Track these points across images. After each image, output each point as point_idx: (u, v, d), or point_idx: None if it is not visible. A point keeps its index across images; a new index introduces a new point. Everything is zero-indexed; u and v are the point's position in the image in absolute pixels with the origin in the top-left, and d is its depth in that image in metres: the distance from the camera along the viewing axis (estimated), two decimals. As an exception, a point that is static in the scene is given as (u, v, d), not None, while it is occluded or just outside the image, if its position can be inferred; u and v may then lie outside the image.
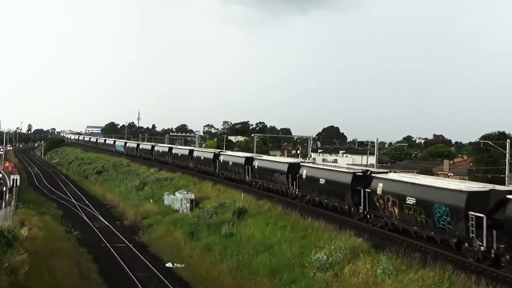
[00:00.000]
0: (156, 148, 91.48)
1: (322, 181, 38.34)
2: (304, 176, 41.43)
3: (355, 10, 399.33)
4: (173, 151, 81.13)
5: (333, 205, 37.18)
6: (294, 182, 43.03)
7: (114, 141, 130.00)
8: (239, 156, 59.00)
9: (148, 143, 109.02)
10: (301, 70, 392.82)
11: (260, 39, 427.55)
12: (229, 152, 68.56)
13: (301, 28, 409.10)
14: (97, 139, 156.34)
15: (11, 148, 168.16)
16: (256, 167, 51.27)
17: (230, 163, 58.34)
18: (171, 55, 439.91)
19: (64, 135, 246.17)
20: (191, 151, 73.65)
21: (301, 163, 44.46)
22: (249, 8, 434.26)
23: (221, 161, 60.55)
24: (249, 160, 53.21)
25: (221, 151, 68.05)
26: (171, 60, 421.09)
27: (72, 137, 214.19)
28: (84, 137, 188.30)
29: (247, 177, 53.07)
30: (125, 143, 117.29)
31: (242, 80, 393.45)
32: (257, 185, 50.95)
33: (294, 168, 43.64)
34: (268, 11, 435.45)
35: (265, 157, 57.76)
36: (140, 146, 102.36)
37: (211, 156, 64.51)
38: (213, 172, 62.50)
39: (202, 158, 67.90)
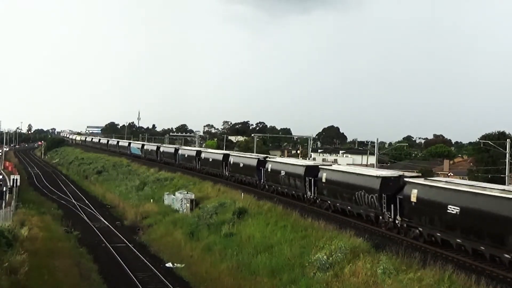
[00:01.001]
0: (180, 152, 78.56)
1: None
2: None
3: (355, 10, 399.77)
4: (203, 155, 68.40)
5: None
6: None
7: (129, 143, 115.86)
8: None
9: (171, 146, 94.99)
10: (301, 70, 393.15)
11: (260, 39, 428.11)
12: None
13: (302, 28, 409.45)
14: (108, 141, 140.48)
15: (7, 149, 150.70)
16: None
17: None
18: (172, 55, 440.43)
19: (67, 135, 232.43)
20: (226, 156, 60.89)
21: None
22: (250, 8, 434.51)
23: (269, 169, 48.03)
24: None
25: (267, 157, 55.07)
26: (171, 60, 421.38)
27: (77, 138, 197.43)
28: (92, 139, 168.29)
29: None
30: (142, 145, 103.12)
31: (242, 80, 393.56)
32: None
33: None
34: (269, 11, 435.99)
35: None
36: (161, 149, 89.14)
37: (254, 163, 52.02)
38: (256, 183, 51.12)
39: (241, 165, 55.45)
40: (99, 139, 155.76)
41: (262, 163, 50.46)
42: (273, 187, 47.60)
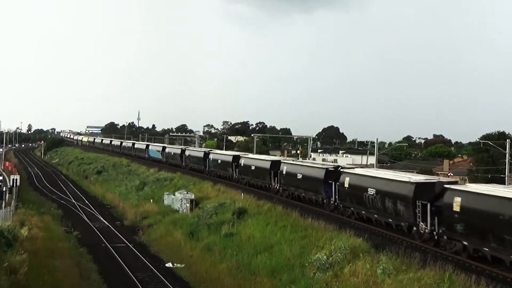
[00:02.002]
0: (212, 156, 65.53)
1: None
2: (346, 185, 35.09)
3: (356, 10, 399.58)
4: (243, 161, 55.62)
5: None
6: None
7: (147, 146, 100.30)
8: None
9: (199, 149, 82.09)
10: (301, 70, 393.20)
11: (261, 39, 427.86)
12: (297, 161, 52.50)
13: (302, 28, 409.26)
14: (121, 143, 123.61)
15: (2, 150, 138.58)
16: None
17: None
18: (171, 55, 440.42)
19: (70, 136, 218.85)
20: (275, 164, 47.77)
21: (342, 169, 37.92)
22: (251, 8, 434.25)
23: (345, 184, 36.32)
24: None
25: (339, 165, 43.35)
26: (171, 60, 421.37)
27: (84, 139, 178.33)
28: (102, 140, 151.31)
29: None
30: (163, 148, 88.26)
31: (242, 80, 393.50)
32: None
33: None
34: (270, 10, 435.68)
35: (293, 160, 50.07)
36: (187, 153, 75.56)
37: (321, 175, 39.25)
38: (322, 200, 39.56)
39: (299, 176, 42.55)
40: (111, 141, 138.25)
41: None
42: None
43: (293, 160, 51.81)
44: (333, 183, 36.90)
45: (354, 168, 40.48)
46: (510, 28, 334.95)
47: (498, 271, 22.43)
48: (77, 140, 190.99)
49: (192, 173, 66.96)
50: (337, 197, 36.87)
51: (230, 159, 58.33)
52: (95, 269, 33.18)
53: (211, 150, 72.44)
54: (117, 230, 47.43)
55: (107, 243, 41.59)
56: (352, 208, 34.92)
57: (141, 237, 44.92)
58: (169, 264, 34.81)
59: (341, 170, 37.86)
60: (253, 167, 51.85)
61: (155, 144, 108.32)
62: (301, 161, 49.99)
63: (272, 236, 32.82)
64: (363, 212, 33.39)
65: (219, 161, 61.92)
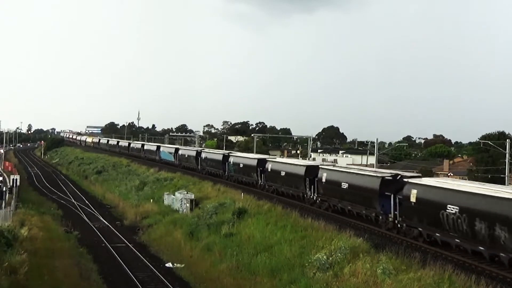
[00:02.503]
0: (233, 160, 58.32)
1: (344, 185, 32.00)
2: (413, 200, 27.97)
3: (357, 10, 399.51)
4: (270, 166, 48.25)
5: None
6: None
7: (158, 147, 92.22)
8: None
9: (218, 151, 71.39)
10: (301, 70, 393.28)
11: (261, 39, 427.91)
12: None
13: (302, 28, 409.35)
14: (129, 144, 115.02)
15: (2, 151, 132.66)
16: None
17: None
18: (171, 55, 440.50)
19: (73, 136, 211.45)
20: (311, 169, 40.90)
21: (405, 179, 30.46)
22: (251, 7, 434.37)
23: (410, 198, 29.23)
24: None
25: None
26: (171, 60, 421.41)
27: (88, 139, 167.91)
28: (108, 141, 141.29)
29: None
30: (176, 149, 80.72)
31: (242, 80, 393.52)
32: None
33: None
34: (270, 10, 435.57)
35: (333, 165, 42.86)
36: (203, 155, 67.83)
37: (375, 185, 31.99)
38: (376, 216, 32.52)
39: (347, 186, 35.06)
40: (118, 142, 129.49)
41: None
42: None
43: (334, 166, 42.97)
44: (392, 195, 30.22)
45: (420, 177, 32.08)
46: (511, 28, 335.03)
47: (498, 271, 22.43)
48: (80, 140, 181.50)
49: (191, 173, 67.06)
50: (398, 213, 29.97)
51: (254, 163, 51.55)
52: (95, 269, 33.17)
53: (231, 153, 63.84)
54: (117, 230, 47.43)
55: (107, 243, 41.60)
56: (420, 229, 27.74)
57: (141, 237, 44.91)
58: (169, 264, 34.81)
59: (404, 180, 30.37)
60: (283, 173, 45.06)
61: (167, 145, 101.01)
62: (347, 167, 41.32)
63: (272, 236, 32.82)
64: (438, 235, 26.24)
65: (241, 165, 55.01)
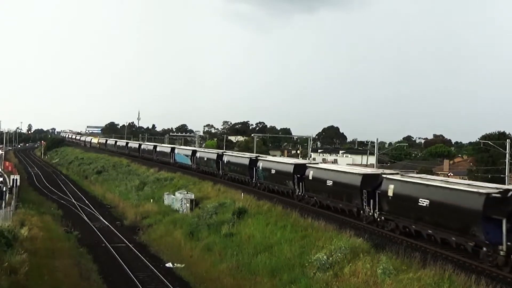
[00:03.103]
0: (262, 164, 50.59)
1: (423, 202, 26.77)
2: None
3: (358, 9, 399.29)
4: (311, 173, 40.45)
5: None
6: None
7: (172, 149, 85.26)
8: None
9: (243, 155, 61.29)
10: (301, 70, 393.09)
11: (261, 39, 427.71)
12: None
13: (302, 28, 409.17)
14: (140, 145, 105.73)
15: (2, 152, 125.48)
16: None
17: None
18: (171, 55, 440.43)
19: (76, 137, 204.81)
20: (369, 179, 33.48)
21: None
22: (251, 7, 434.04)
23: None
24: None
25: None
26: (171, 60, 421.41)
27: (94, 140, 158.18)
28: (116, 142, 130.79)
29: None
30: (193, 151, 73.70)
31: (242, 80, 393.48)
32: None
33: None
34: (271, 10, 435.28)
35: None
36: (225, 159, 59.81)
37: (478, 205, 23.96)
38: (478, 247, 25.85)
39: (427, 204, 27.24)
40: (127, 143, 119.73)
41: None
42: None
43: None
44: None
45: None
46: (511, 28, 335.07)
47: (498, 271, 22.44)
48: (84, 141, 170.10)
49: (192, 173, 67.09)
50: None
51: (290, 169, 44.30)
52: (95, 269, 33.16)
53: (259, 156, 54.81)
54: (117, 230, 47.42)
55: (107, 243, 41.59)
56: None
57: (141, 237, 44.90)
58: (169, 264, 34.80)
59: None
60: (329, 183, 37.35)
61: (183, 147, 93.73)
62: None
63: (272, 236, 32.82)
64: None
65: (273, 172, 47.80)
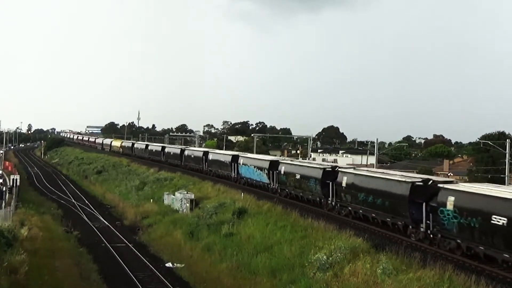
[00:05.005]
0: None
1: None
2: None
3: (360, 10, 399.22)
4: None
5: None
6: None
7: (205, 153, 67.28)
8: None
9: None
10: (301, 70, 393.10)
11: (260, 39, 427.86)
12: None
13: (302, 28, 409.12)
14: (163, 148, 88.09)
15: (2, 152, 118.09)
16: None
17: None
18: (172, 55, 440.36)
19: (79, 137, 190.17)
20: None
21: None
22: (253, 6, 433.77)
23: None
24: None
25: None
26: (172, 60, 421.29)
27: (114, 143, 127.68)
28: (148, 146, 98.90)
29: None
30: (234, 157, 57.09)
31: (243, 80, 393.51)
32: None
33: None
34: (272, 9, 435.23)
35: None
36: (283, 169, 44.94)
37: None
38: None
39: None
40: (147, 145, 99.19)
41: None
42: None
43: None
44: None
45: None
46: (511, 28, 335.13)
47: (498, 271, 22.44)
48: (102, 144, 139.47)
49: (192, 173, 66.98)
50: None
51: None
52: (95, 269, 33.14)
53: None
54: (117, 230, 47.41)
55: (107, 243, 41.58)
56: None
57: (141, 237, 44.89)
58: (169, 264, 34.80)
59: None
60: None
61: (220, 151, 73.29)
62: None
63: (272, 236, 32.82)
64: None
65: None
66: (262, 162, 50.43)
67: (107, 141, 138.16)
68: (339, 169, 37.66)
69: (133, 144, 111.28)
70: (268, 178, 47.56)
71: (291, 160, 50.98)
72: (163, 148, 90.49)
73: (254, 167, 50.98)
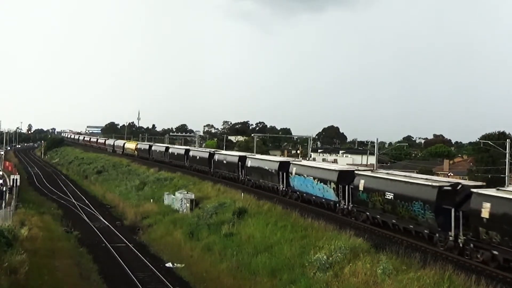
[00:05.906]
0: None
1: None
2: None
3: (361, 10, 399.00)
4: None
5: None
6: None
7: (241, 158, 56.21)
8: None
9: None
10: (301, 70, 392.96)
11: (261, 39, 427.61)
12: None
13: (302, 29, 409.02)
14: (187, 151, 76.72)
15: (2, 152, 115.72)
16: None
17: None
18: (172, 55, 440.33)
19: (82, 138, 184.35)
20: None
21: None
22: (254, 6, 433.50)
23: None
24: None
25: None
26: (172, 60, 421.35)
27: (128, 145, 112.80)
28: (168, 149, 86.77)
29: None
30: (283, 164, 46.92)
31: (243, 80, 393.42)
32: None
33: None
34: (273, 9, 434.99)
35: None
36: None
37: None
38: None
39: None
40: (186, 150, 78.61)
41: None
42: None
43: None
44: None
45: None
46: (511, 28, 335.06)
47: (498, 271, 22.44)
48: (113, 146, 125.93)
49: (192, 173, 66.88)
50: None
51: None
52: (95, 269, 33.16)
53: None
54: (117, 230, 47.42)
55: (107, 243, 41.58)
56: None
57: (141, 237, 44.91)
58: (169, 264, 34.80)
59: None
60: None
61: (260, 156, 59.41)
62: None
63: (272, 236, 32.82)
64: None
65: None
66: (326, 173, 38.75)
67: (119, 142, 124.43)
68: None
69: (150, 146, 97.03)
70: (337, 195, 36.34)
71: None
72: (187, 151, 75.87)
73: (314, 178, 39.52)
